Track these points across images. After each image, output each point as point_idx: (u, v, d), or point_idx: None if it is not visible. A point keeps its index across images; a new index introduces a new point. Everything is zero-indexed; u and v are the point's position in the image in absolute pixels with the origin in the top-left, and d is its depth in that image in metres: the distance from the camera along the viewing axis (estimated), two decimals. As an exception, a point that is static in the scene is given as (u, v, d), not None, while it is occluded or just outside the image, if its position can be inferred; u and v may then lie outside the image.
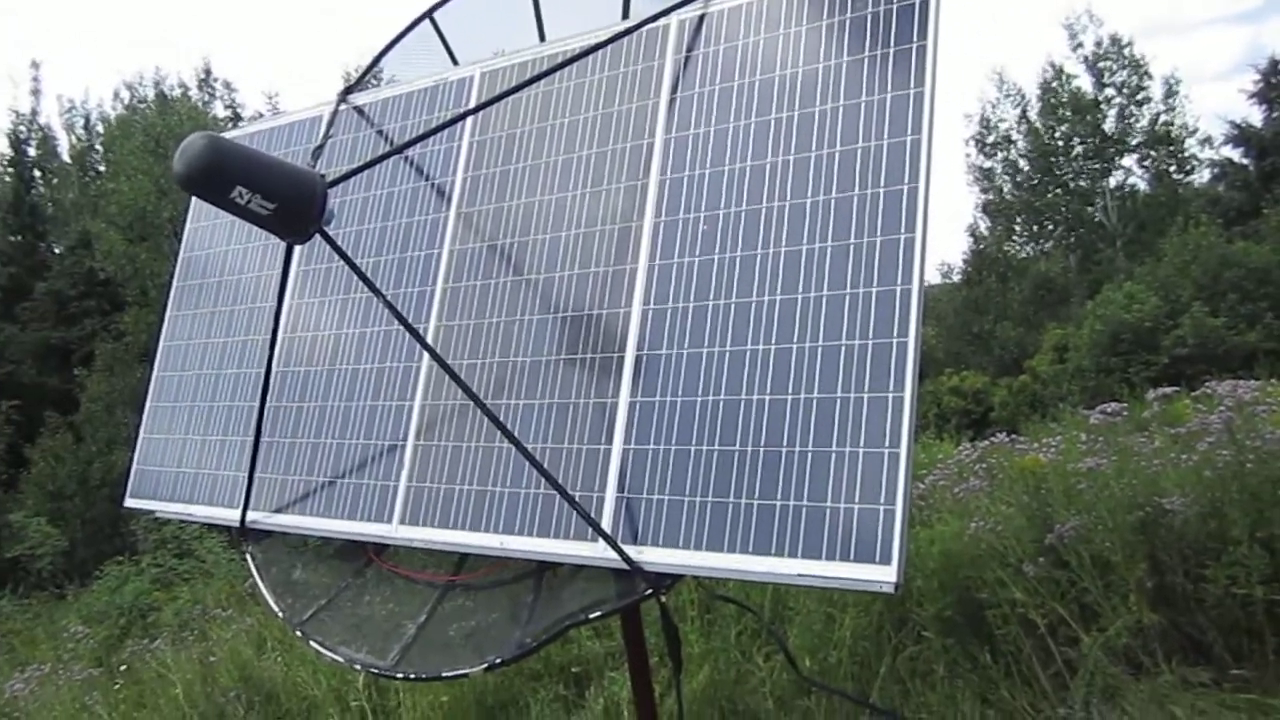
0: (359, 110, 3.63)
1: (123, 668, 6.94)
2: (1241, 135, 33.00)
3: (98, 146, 36.22)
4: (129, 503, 3.95)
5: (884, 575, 2.07)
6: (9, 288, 28.47)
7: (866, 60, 2.43)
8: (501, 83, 3.17)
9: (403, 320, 2.51)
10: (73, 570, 15.62)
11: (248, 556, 3.50)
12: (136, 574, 11.16)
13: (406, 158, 3.37)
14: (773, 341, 2.38)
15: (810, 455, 2.24)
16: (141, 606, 9.77)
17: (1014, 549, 4.44)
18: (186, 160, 2.23)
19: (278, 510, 3.35)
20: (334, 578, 3.38)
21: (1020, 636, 4.27)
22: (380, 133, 3.51)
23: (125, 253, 26.51)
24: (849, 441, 2.20)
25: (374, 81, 3.78)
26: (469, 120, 3.21)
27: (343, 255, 2.47)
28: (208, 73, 34.42)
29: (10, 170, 33.36)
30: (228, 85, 34.89)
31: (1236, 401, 4.63)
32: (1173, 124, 35.87)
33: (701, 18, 2.77)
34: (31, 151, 35.10)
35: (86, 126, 36.97)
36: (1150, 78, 35.75)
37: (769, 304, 2.41)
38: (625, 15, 3.12)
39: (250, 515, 3.39)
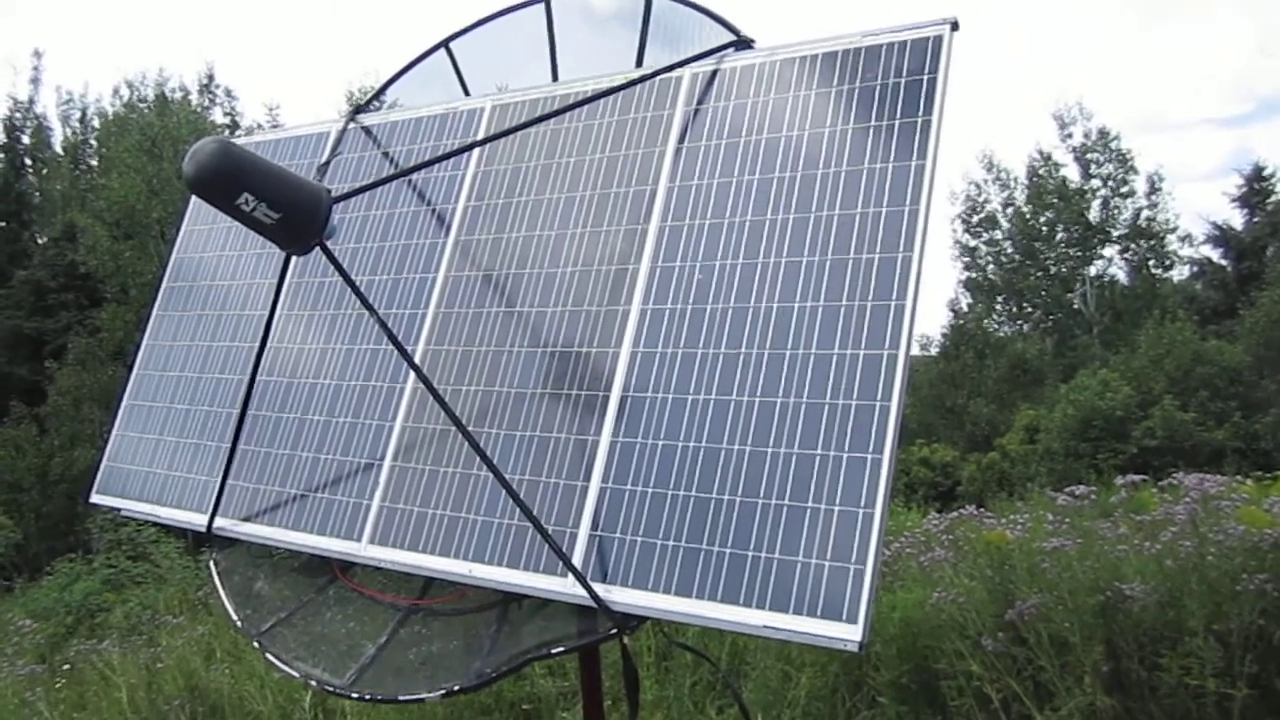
0: (367, 130, 3.67)
1: (66, 666, 6.82)
2: (1222, 236, 33.74)
3: (92, 141, 36.21)
4: (94, 498, 3.91)
5: (849, 634, 2.09)
6: (-12, 274, 28.31)
7: (872, 129, 2.50)
8: (512, 117, 3.22)
9: (394, 339, 2.52)
10: (23, 564, 15.37)
11: (211, 563, 3.47)
12: (88, 573, 11.00)
13: (410, 181, 3.40)
14: (758, 394, 2.41)
15: (786, 509, 2.27)
16: (90, 606, 9.62)
17: (974, 622, 4.46)
18: (198, 162, 2.25)
19: (246, 519, 3.33)
20: (296, 592, 3.35)
21: (974, 710, 4.28)
22: (386, 155, 3.54)
23: (109, 249, 26.36)
24: (825, 499, 2.23)
25: (377, 104, 3.82)
26: (475, 151, 3.25)
27: (340, 270, 2.49)
28: (210, 78, 34.54)
29: (1, 156, 33.23)
30: (229, 93, 35.07)
31: (1202, 495, 4.69)
32: (1154, 219, 36.65)
33: (714, 73, 2.83)
34: (25, 139, 35.08)
35: (83, 120, 37.04)
36: (1135, 172, 36.66)
37: (757, 357, 2.45)
38: (639, 63, 3.18)
39: (218, 522, 3.37)
